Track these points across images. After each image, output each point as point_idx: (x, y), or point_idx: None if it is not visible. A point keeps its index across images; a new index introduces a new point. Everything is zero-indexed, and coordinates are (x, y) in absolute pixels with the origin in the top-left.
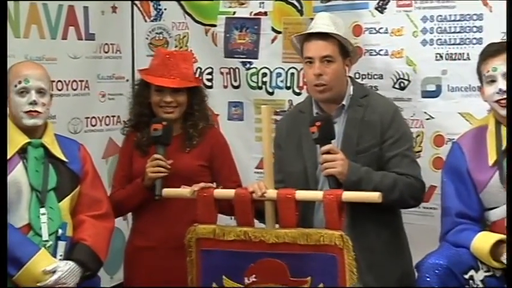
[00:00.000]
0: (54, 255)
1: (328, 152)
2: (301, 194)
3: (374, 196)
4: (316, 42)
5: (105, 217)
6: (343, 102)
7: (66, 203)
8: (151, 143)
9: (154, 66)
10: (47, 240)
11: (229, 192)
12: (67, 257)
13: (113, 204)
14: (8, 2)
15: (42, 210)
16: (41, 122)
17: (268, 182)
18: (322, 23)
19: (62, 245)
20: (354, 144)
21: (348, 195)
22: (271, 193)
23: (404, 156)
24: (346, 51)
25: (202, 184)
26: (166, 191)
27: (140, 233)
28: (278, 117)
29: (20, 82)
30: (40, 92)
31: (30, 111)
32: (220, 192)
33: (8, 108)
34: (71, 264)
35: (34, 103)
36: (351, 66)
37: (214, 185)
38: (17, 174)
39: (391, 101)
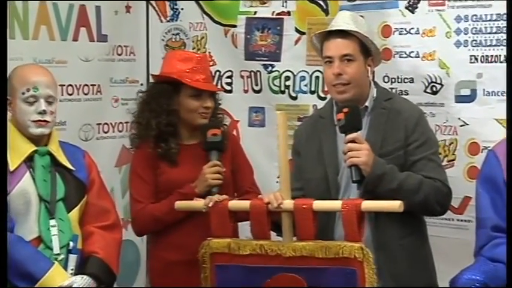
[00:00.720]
0: (65, 269)
1: (353, 142)
2: (319, 204)
3: (395, 205)
4: (335, 41)
5: (113, 228)
6: (366, 104)
7: (75, 213)
8: (179, 152)
9: (189, 70)
10: (58, 254)
11: (244, 204)
12: (81, 271)
13: (148, 220)
14: (17, 2)
15: (52, 222)
16: (48, 131)
17: (284, 191)
18: (342, 21)
19: (73, 259)
20: (378, 147)
21: (367, 205)
22: (288, 204)
23: (430, 160)
24: (368, 51)
25: (216, 196)
26: (179, 204)
27: (175, 247)
28: None
29: (28, 90)
30: (48, 100)
31: (39, 120)
32: (235, 204)
33: (9, 114)
34: (86, 279)
35: (44, 113)
36: (373, 66)
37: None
38: (25, 184)
39: (416, 105)
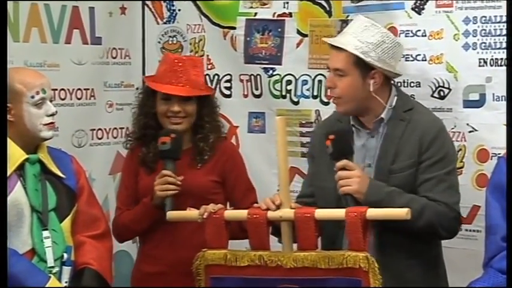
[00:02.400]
0: (59, 281)
1: (344, 169)
2: (321, 213)
3: (402, 213)
4: (332, 52)
5: (104, 237)
6: (382, 116)
7: (67, 223)
8: (158, 158)
9: (162, 72)
10: (52, 267)
11: (242, 213)
12: (76, 283)
13: (120, 227)
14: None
15: (46, 233)
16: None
17: (284, 200)
18: (347, 30)
19: (66, 271)
20: (390, 162)
21: (373, 213)
22: (288, 213)
23: (441, 181)
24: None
25: (211, 206)
26: (172, 214)
27: (149, 258)
28: (304, 129)
29: (37, 93)
30: (51, 101)
31: (51, 123)
32: (232, 214)
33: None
34: None
35: (55, 114)
36: (379, 80)
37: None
38: (17, 195)
39: (437, 118)
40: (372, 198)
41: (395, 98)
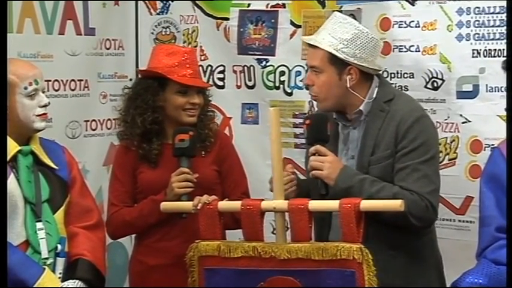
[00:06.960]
0: (53, 272)
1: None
2: (315, 204)
3: (396, 204)
4: (309, 50)
5: (97, 227)
6: (361, 108)
7: (60, 214)
8: (162, 154)
9: (172, 65)
10: (46, 258)
11: (235, 205)
12: (71, 274)
13: (120, 225)
14: None
15: (39, 225)
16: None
17: (277, 192)
18: (323, 27)
19: (60, 262)
20: (369, 153)
21: (367, 204)
22: (282, 204)
23: (415, 170)
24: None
25: (205, 197)
26: (165, 205)
27: (152, 250)
28: (297, 121)
29: (30, 84)
30: (44, 92)
31: (44, 114)
32: (225, 205)
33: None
34: (78, 283)
35: (48, 105)
36: (355, 75)
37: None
38: (11, 187)
39: (417, 107)
40: (341, 184)
41: (376, 89)
